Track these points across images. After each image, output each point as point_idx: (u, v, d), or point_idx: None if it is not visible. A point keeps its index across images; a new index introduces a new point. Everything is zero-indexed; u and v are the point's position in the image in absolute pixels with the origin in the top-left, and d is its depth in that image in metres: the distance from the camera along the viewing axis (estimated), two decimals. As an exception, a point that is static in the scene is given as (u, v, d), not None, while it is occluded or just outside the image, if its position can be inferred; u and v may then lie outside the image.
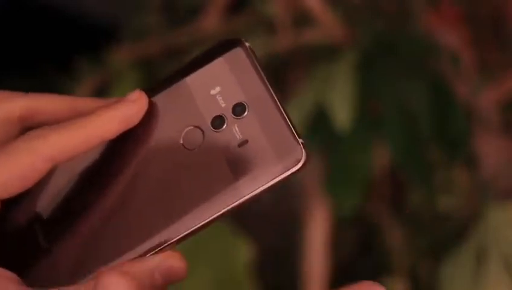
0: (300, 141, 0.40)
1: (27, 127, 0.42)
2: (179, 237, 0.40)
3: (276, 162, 0.40)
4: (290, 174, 0.39)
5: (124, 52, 1.10)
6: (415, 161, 0.97)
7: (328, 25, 1.03)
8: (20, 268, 0.40)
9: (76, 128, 0.39)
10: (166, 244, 0.40)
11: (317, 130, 0.96)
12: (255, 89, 0.41)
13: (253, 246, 0.93)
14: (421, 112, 0.96)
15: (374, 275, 1.02)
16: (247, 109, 0.41)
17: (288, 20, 1.05)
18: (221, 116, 0.41)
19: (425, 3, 1.07)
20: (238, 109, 0.41)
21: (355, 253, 1.04)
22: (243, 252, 0.96)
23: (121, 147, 0.42)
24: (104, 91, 1.07)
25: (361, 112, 0.95)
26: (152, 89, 0.42)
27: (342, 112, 0.94)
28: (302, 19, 1.05)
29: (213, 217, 0.40)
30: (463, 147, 1.00)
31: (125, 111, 0.41)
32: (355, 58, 0.98)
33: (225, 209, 0.40)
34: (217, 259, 0.98)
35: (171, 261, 0.38)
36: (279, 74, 1.04)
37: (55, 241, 0.41)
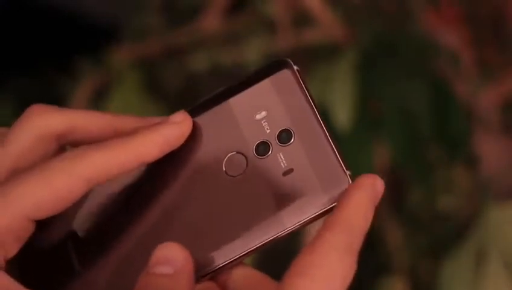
0: (347, 172, 0.38)
1: (65, 144, 0.40)
2: (216, 267, 0.38)
3: (321, 194, 0.38)
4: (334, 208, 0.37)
5: (124, 52, 1.10)
6: (415, 161, 0.97)
7: (328, 25, 1.03)
8: None
9: (116, 150, 0.38)
10: (202, 274, 0.38)
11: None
12: (302, 115, 0.39)
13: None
14: (421, 112, 0.96)
15: (374, 275, 1.02)
16: (293, 136, 0.39)
17: (288, 20, 1.05)
18: (266, 142, 0.39)
19: (425, 3, 1.07)
20: (284, 136, 0.39)
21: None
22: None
23: (160, 170, 0.40)
24: (104, 91, 1.07)
25: (362, 112, 0.95)
26: (194, 109, 0.40)
27: (342, 111, 0.94)
28: (302, 19, 1.05)
29: (253, 247, 0.38)
30: (463, 147, 1.00)
31: (168, 134, 0.39)
32: (355, 58, 0.98)
33: (266, 241, 0.38)
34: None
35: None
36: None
37: (88, 264, 0.39)
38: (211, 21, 1.08)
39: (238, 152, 0.40)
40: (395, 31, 1.02)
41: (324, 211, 0.38)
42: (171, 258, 0.35)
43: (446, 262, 0.96)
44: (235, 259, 0.38)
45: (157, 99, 1.06)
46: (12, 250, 0.38)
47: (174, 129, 0.39)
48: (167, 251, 0.35)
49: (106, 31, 1.13)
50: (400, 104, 0.96)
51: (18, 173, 0.38)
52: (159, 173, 0.40)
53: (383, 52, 0.99)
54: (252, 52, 1.05)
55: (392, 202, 1.04)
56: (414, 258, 1.01)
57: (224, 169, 0.39)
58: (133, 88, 1.06)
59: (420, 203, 1.03)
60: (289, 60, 0.40)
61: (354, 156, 0.95)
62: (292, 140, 0.39)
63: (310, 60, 1.02)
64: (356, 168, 1.07)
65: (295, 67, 0.40)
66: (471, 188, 1.03)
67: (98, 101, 1.06)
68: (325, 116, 0.95)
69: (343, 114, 0.94)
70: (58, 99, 1.04)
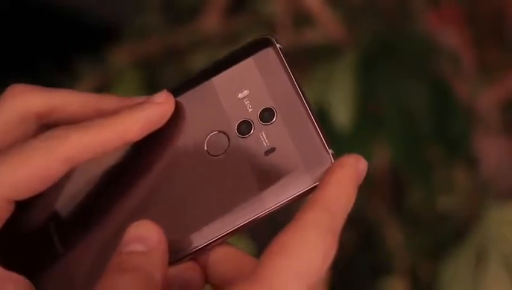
0: (330, 151, 0.38)
1: (46, 124, 0.40)
2: (197, 247, 0.38)
3: (304, 173, 0.37)
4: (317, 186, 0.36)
5: (124, 52, 1.10)
6: (415, 161, 0.97)
7: (328, 25, 1.03)
8: (33, 272, 0.38)
9: (97, 130, 0.37)
10: (185, 255, 0.38)
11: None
12: (284, 93, 0.39)
13: (253, 247, 0.93)
14: (421, 112, 0.96)
15: (374, 275, 1.02)
16: (275, 115, 0.39)
17: (288, 20, 1.05)
18: (248, 121, 0.39)
19: (425, 3, 1.07)
20: (266, 115, 0.39)
21: (355, 253, 1.04)
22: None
23: (142, 149, 0.40)
24: (104, 91, 1.07)
25: (362, 112, 0.95)
26: (177, 89, 0.40)
27: (342, 112, 0.94)
28: (302, 19, 1.05)
29: (235, 227, 0.38)
30: (463, 147, 1.00)
31: (151, 113, 0.38)
32: (355, 58, 0.98)
33: (248, 220, 0.38)
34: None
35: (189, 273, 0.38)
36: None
37: (70, 245, 0.39)
38: (211, 21, 1.08)
39: (220, 131, 0.39)
40: (395, 31, 1.02)
41: (307, 190, 0.37)
42: (144, 236, 0.35)
43: (446, 262, 0.96)
44: (217, 239, 0.38)
45: (157, 99, 1.06)
46: None
47: (156, 109, 0.39)
48: (140, 229, 0.35)
49: (106, 31, 1.13)
50: (400, 104, 0.96)
51: None
52: (141, 152, 0.40)
53: (383, 52, 0.99)
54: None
55: (392, 202, 1.04)
56: (414, 258, 1.01)
57: (206, 148, 0.39)
58: (133, 88, 1.06)
59: (420, 203, 1.03)
60: (272, 38, 0.40)
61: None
62: (274, 119, 0.39)
63: (310, 60, 1.02)
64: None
65: (278, 45, 0.40)
66: (471, 188, 1.03)
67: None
68: (325, 116, 0.95)
69: (343, 114, 0.94)
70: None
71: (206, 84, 0.40)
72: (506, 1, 1.09)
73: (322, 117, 0.96)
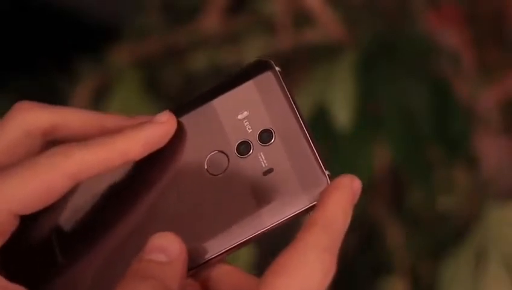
0: (326, 172, 0.39)
1: (50, 141, 0.41)
2: (197, 265, 0.38)
3: (300, 194, 0.39)
4: (314, 207, 0.38)
5: (124, 52, 1.10)
6: (415, 161, 0.97)
7: (328, 25, 1.03)
8: (36, 284, 0.39)
9: (101, 148, 0.38)
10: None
11: (317, 130, 0.96)
12: (283, 115, 0.40)
13: (253, 247, 0.93)
14: (421, 112, 0.96)
15: (374, 275, 1.02)
16: (274, 136, 0.40)
17: (288, 20, 1.05)
18: (247, 142, 0.40)
19: (425, 3, 1.07)
20: (265, 136, 0.40)
21: (356, 253, 1.04)
22: (243, 253, 0.96)
23: (144, 167, 0.41)
24: (104, 91, 1.07)
25: (362, 112, 0.95)
26: (179, 109, 0.41)
27: (342, 112, 0.94)
28: (302, 19, 1.05)
29: (234, 245, 0.39)
30: (463, 147, 1.00)
31: (153, 133, 0.39)
32: (355, 58, 0.98)
33: (246, 239, 0.39)
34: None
35: None
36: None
37: (72, 259, 0.40)
38: (211, 21, 1.08)
39: (219, 151, 0.40)
40: (395, 31, 1.02)
41: (303, 210, 0.39)
42: (167, 247, 0.36)
43: (446, 262, 0.96)
44: (216, 257, 0.39)
45: (157, 99, 1.06)
46: None
47: (158, 129, 0.40)
48: (163, 239, 0.36)
49: (106, 31, 1.13)
50: (400, 104, 0.96)
51: (3, 168, 0.38)
52: (143, 170, 0.41)
53: (383, 52, 0.99)
54: (252, 52, 1.05)
55: (392, 202, 1.04)
56: (414, 258, 1.01)
57: (206, 167, 0.40)
58: (133, 88, 1.06)
59: (420, 203, 1.03)
60: (271, 62, 0.41)
61: (353, 156, 0.95)
62: (273, 140, 0.40)
63: (310, 60, 1.02)
64: (356, 169, 1.07)
65: (277, 69, 0.41)
66: (471, 188, 1.03)
67: (98, 101, 1.06)
68: (325, 116, 0.95)
69: (343, 114, 0.94)
70: (58, 99, 1.04)
71: (208, 105, 0.41)
72: (506, 1, 1.09)
73: (322, 117, 0.96)
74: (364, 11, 1.05)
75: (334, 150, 0.96)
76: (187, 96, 1.06)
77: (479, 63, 1.06)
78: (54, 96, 1.05)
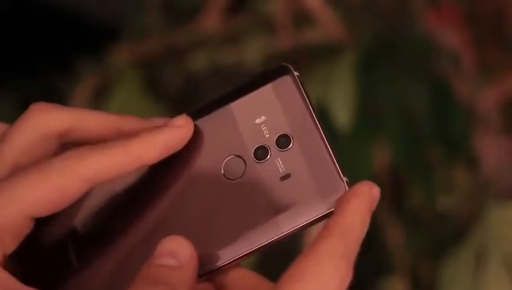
0: (344, 179, 0.38)
1: (66, 143, 0.40)
2: (212, 269, 0.38)
3: (318, 200, 0.38)
4: (331, 213, 0.37)
5: (124, 52, 1.10)
6: (415, 161, 0.97)
7: (328, 25, 1.03)
8: (50, 288, 0.39)
9: (117, 152, 0.38)
10: (200, 275, 0.38)
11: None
12: (301, 120, 0.39)
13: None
14: (421, 112, 0.96)
15: (374, 275, 1.02)
16: (291, 142, 0.39)
17: (288, 20, 1.05)
18: (265, 147, 0.39)
19: (425, 3, 1.07)
20: (283, 141, 0.39)
21: (355, 253, 1.03)
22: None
23: (160, 171, 0.40)
24: (104, 91, 1.07)
25: (362, 112, 0.95)
26: (195, 112, 0.41)
27: (342, 111, 0.94)
28: (302, 19, 1.05)
29: (250, 250, 0.38)
30: (463, 147, 1.00)
31: (170, 137, 0.39)
32: (355, 58, 0.98)
33: (263, 244, 0.38)
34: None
35: None
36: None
37: (87, 262, 0.40)
38: (211, 21, 1.08)
39: (236, 156, 0.40)
40: (395, 31, 1.02)
41: (320, 217, 0.38)
42: (177, 251, 0.36)
43: (446, 262, 0.96)
44: (232, 261, 0.38)
45: (157, 99, 1.06)
46: (11, 246, 0.38)
47: (175, 133, 0.39)
48: (173, 243, 0.36)
49: (106, 31, 1.13)
50: (400, 104, 0.96)
51: (19, 170, 0.38)
52: (159, 174, 0.40)
53: (383, 52, 0.99)
54: (252, 52, 1.05)
55: (392, 202, 1.04)
56: (414, 258, 1.01)
57: (222, 172, 0.40)
58: (133, 88, 1.06)
59: (420, 203, 1.03)
60: (290, 66, 0.41)
61: (354, 156, 0.95)
62: (291, 145, 0.39)
63: (310, 60, 1.02)
64: (356, 169, 1.07)
65: (296, 73, 0.40)
66: (471, 188, 1.03)
67: (98, 101, 1.06)
68: (325, 116, 0.95)
69: (343, 114, 0.94)
70: (58, 99, 1.03)
71: (225, 109, 0.40)
72: (506, 1, 1.09)
73: (322, 117, 0.96)
74: (364, 11, 1.05)
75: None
76: (187, 96, 1.06)
77: (479, 63, 1.06)
78: (54, 96, 1.05)
